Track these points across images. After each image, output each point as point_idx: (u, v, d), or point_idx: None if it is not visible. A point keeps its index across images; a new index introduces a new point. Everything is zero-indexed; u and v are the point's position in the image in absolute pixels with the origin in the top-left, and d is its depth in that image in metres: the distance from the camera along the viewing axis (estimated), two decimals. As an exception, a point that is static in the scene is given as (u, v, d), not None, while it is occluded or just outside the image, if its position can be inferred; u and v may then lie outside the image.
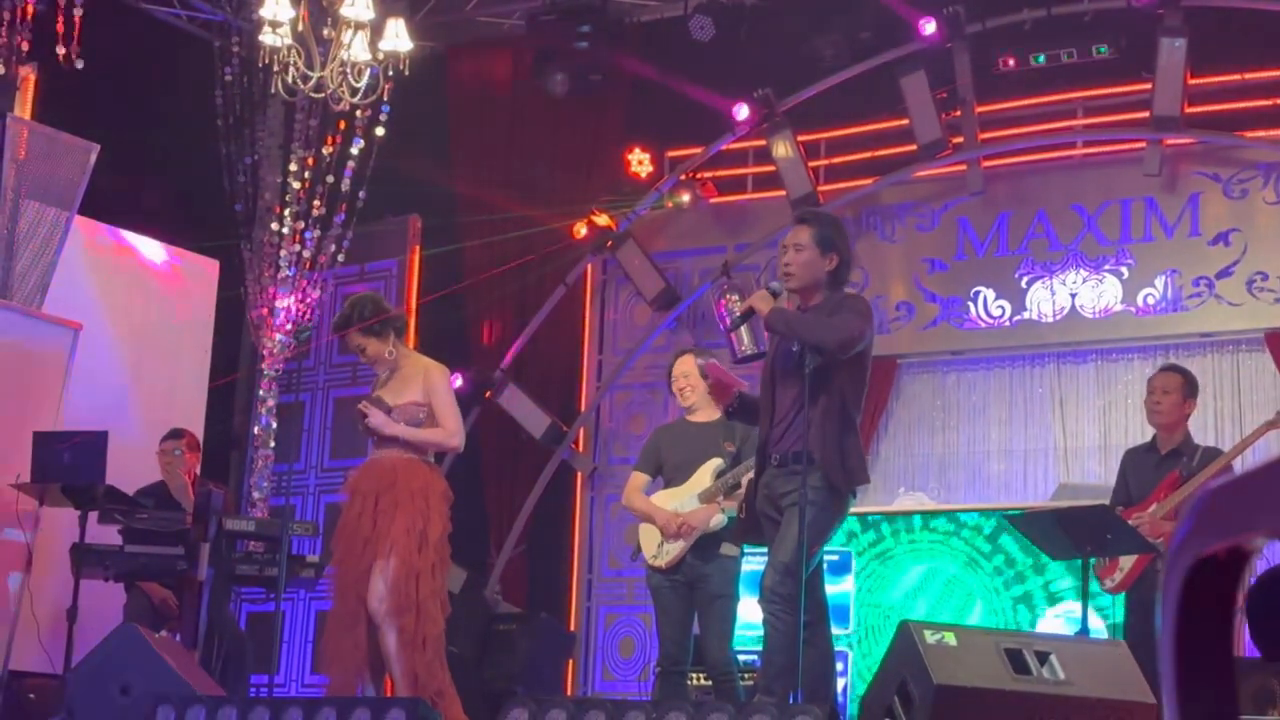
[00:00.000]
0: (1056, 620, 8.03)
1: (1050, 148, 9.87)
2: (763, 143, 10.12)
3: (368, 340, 6.22)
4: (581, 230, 10.65)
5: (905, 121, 9.68)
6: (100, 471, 7.23)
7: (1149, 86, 9.12)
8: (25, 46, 8.62)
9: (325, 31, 8.20)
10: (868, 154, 10.18)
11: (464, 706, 6.09)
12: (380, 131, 9.76)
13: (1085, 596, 6.50)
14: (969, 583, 8.42)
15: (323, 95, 8.22)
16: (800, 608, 5.25)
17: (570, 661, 10.16)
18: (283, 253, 10.47)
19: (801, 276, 5.57)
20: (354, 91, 8.08)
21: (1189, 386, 6.95)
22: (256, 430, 10.70)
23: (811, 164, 10.05)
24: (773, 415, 5.60)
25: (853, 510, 6.10)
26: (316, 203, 10.44)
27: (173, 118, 10.28)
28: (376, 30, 8.12)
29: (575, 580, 10.67)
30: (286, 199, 10.48)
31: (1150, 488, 6.82)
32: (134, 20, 10.45)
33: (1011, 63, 9.49)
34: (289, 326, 10.51)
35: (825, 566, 5.93)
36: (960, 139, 9.75)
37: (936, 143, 9.63)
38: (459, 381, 9.12)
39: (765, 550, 5.65)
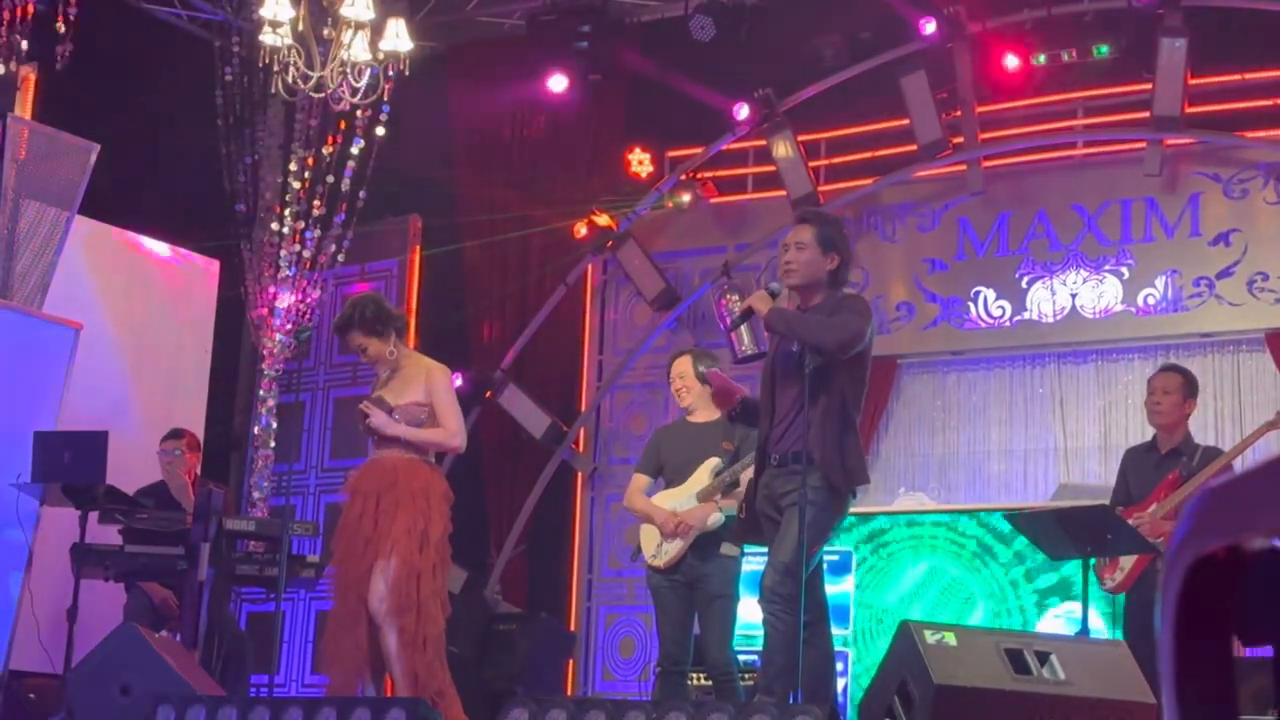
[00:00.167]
0: (1056, 620, 8.04)
1: (1050, 148, 9.87)
2: (763, 143, 10.11)
3: (369, 340, 6.22)
4: (582, 230, 10.65)
5: (905, 121, 9.68)
6: (100, 471, 7.23)
7: (1149, 86, 9.11)
8: (25, 46, 8.61)
9: (325, 31, 8.20)
10: (868, 154, 10.18)
11: (464, 706, 6.09)
12: (380, 131, 9.77)
13: (1085, 597, 6.50)
14: (969, 583, 8.42)
15: (323, 95, 8.22)
16: (800, 608, 5.25)
17: (570, 661, 10.16)
18: (283, 253, 10.47)
19: (803, 274, 5.57)
20: (354, 91, 8.08)
21: (1189, 386, 6.95)
22: (257, 430, 10.70)
23: (812, 164, 10.05)
24: (772, 415, 5.60)
25: (853, 510, 6.10)
26: (317, 203, 10.44)
27: (173, 118, 10.28)
28: (377, 30, 8.12)
29: (575, 580, 10.66)
30: (287, 199, 10.48)
31: (1150, 487, 6.82)
32: (134, 20, 10.45)
33: (1012, 63, 9.48)
34: (289, 327, 10.51)
35: (825, 566, 5.94)
36: (960, 139, 9.75)
37: (937, 143, 9.63)
38: (459, 381, 9.11)
39: (765, 550, 5.65)
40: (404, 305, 10.77)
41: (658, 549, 6.64)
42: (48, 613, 7.84)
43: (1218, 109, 9.32)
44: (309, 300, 10.57)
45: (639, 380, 10.65)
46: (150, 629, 6.78)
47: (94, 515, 7.35)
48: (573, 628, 10.35)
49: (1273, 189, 9.14)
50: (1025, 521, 7.02)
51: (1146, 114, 9.20)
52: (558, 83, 10.50)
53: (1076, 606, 6.84)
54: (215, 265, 10.29)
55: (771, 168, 10.10)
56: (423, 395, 6.17)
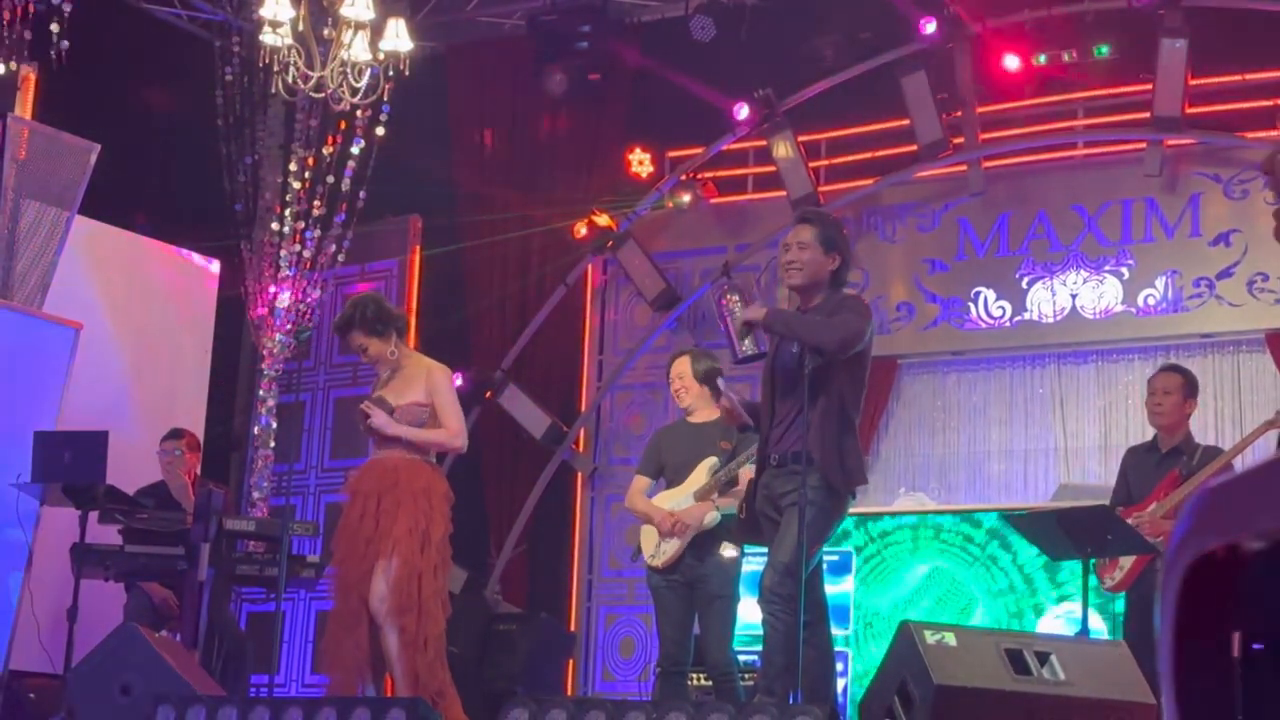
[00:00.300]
0: (1057, 621, 8.04)
1: (1051, 148, 9.86)
2: (763, 143, 10.11)
3: (370, 340, 6.22)
4: (582, 230, 10.65)
5: (906, 122, 9.68)
6: (100, 471, 7.22)
7: (1150, 87, 9.11)
8: (28, 37, 8.61)
9: (325, 31, 8.21)
10: (868, 154, 10.18)
11: (464, 706, 6.09)
12: (380, 131, 9.77)
13: (1085, 597, 6.49)
14: (970, 583, 8.42)
15: (323, 95, 8.22)
16: (800, 608, 5.25)
17: (570, 662, 10.16)
18: (283, 252, 10.47)
19: (805, 274, 5.57)
20: (354, 91, 8.08)
21: (1189, 386, 6.95)
22: (257, 430, 10.70)
23: (812, 164, 10.05)
24: (772, 416, 5.60)
25: (853, 510, 6.10)
26: (317, 203, 10.44)
27: (173, 117, 10.28)
28: (377, 30, 8.12)
29: (575, 580, 10.66)
30: (287, 199, 10.48)
31: (1150, 487, 6.81)
32: (134, 20, 10.46)
33: (1012, 63, 9.48)
34: (289, 326, 10.51)
35: (825, 567, 5.94)
36: (961, 139, 9.75)
37: (937, 143, 9.62)
38: (459, 381, 9.11)
39: (765, 551, 5.65)
40: (404, 305, 10.77)
41: (656, 549, 6.64)
42: (48, 613, 7.85)
43: (1218, 109, 9.32)
44: (309, 300, 10.57)
45: (639, 380, 10.65)
46: (150, 629, 6.78)
47: (94, 515, 7.35)
48: (573, 628, 10.35)
49: (1273, 189, 9.12)
50: (1025, 522, 7.02)
51: (1147, 114, 9.19)
52: (558, 83, 10.49)
53: (1075, 607, 6.84)
54: (215, 265, 10.29)
55: (772, 168, 10.10)
56: (424, 395, 6.17)
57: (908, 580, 8.56)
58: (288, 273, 10.48)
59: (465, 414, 6.66)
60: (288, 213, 10.46)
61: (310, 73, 8.02)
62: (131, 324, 9.53)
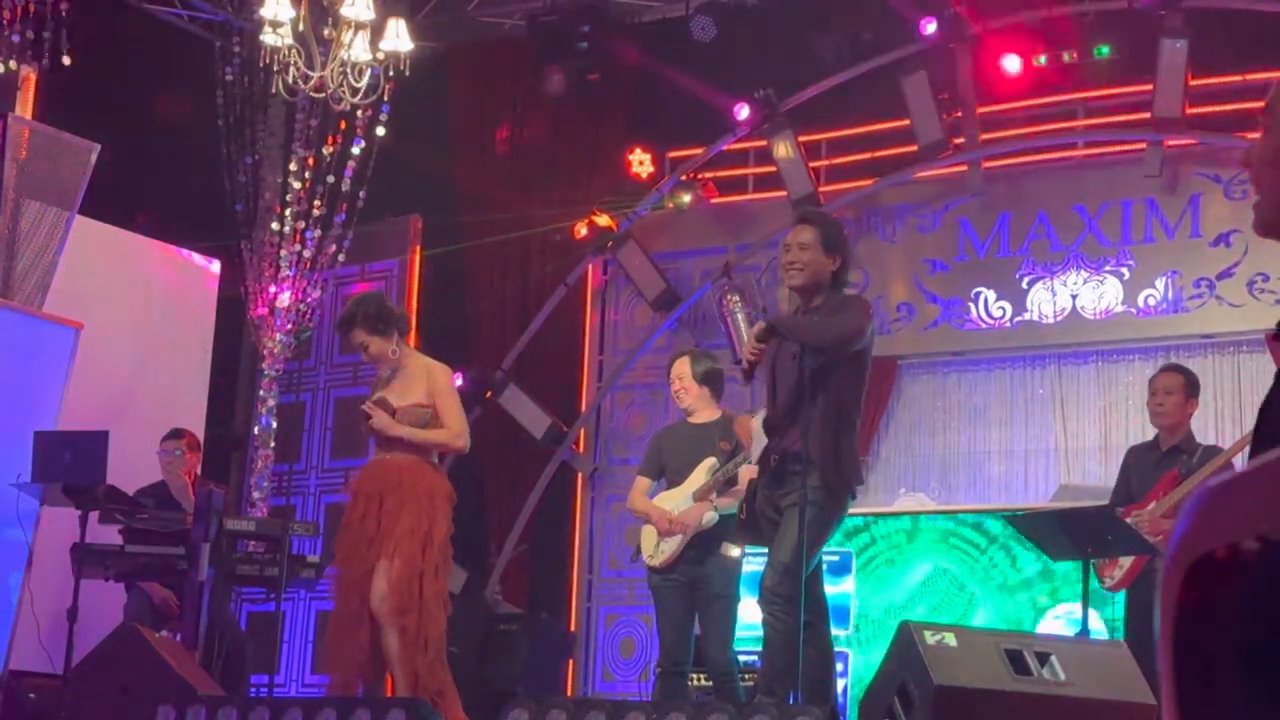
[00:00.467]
0: (1056, 621, 8.04)
1: (1051, 149, 9.86)
2: (764, 143, 10.11)
3: (371, 339, 6.20)
4: (582, 230, 10.65)
5: (906, 122, 9.67)
6: (101, 471, 7.22)
7: (1150, 87, 9.11)
8: (29, 45, 8.62)
9: (326, 31, 8.20)
10: (869, 155, 10.17)
11: (464, 706, 6.09)
12: (381, 131, 9.78)
13: (1085, 598, 6.49)
14: (971, 584, 8.42)
15: (323, 95, 8.22)
16: (800, 608, 5.26)
17: (570, 662, 10.16)
18: (283, 253, 10.47)
19: (807, 274, 5.58)
20: (355, 91, 8.08)
21: (1190, 387, 6.94)
22: (257, 430, 10.70)
23: (812, 164, 10.04)
24: (773, 415, 5.61)
25: (853, 511, 6.11)
26: (317, 203, 10.44)
27: (173, 117, 10.28)
28: (377, 30, 8.12)
29: (575, 581, 10.66)
30: (287, 199, 10.48)
31: (1150, 485, 6.81)
32: (135, 20, 10.46)
33: (1013, 64, 9.48)
34: (289, 326, 10.51)
35: (825, 567, 5.94)
36: (961, 140, 9.74)
37: (937, 143, 9.62)
38: (459, 381, 9.11)
39: (765, 551, 5.65)
40: (404, 305, 10.76)
41: (655, 549, 6.65)
42: (48, 613, 7.84)
43: (1218, 110, 9.31)
44: (309, 300, 10.57)
45: (639, 381, 10.65)
46: (150, 629, 6.78)
47: (94, 515, 7.34)
48: (573, 628, 10.35)
49: (1252, 183, 9.11)
50: (1026, 523, 7.02)
51: (1147, 115, 9.19)
52: (558, 83, 10.49)
53: (1075, 607, 6.84)
54: (216, 265, 10.29)
55: (772, 168, 10.10)
56: (425, 396, 6.16)
57: (908, 580, 8.56)
58: (288, 273, 10.48)
59: (466, 414, 6.65)
60: (288, 213, 10.46)
61: (310, 73, 8.02)
62: (132, 324, 9.53)
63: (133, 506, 7.63)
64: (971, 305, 9.82)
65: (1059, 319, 9.58)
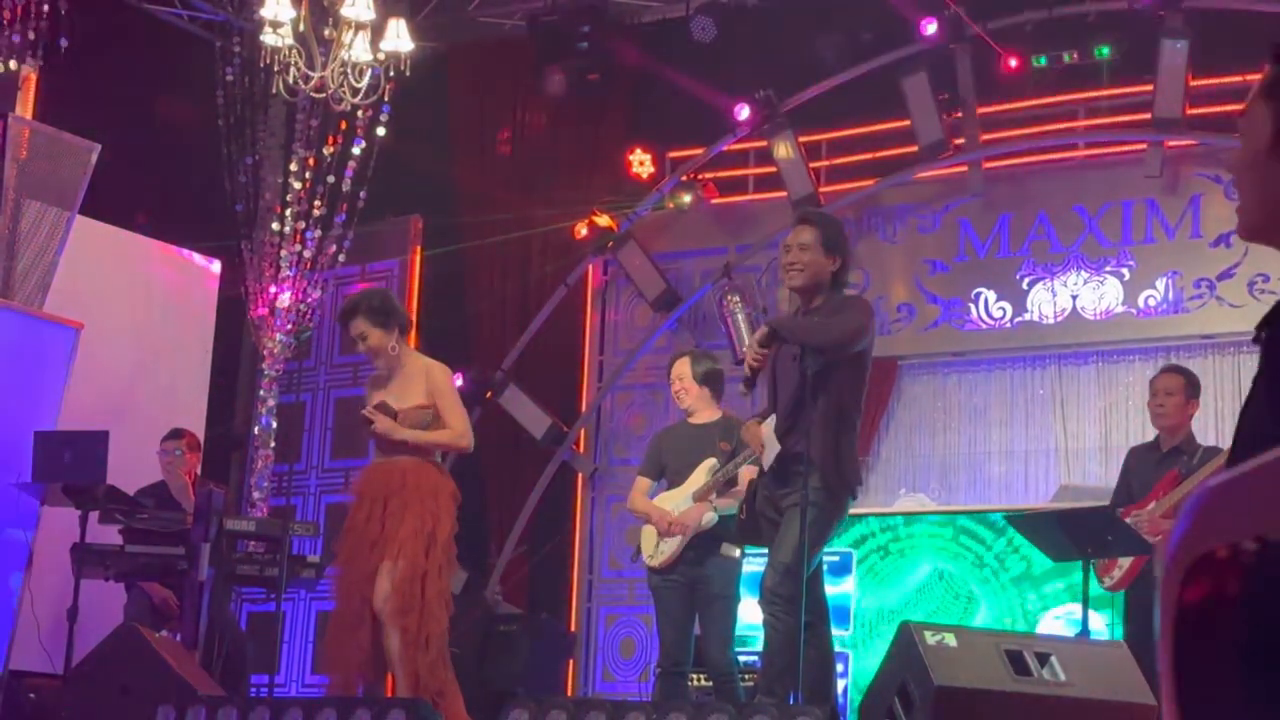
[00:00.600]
0: (1056, 622, 8.04)
1: (1052, 149, 9.86)
2: (764, 144, 10.11)
3: (372, 330, 6.16)
4: (582, 231, 10.65)
5: (907, 123, 9.67)
6: (101, 471, 7.22)
7: (1150, 88, 9.11)
8: (30, 45, 8.62)
9: (326, 32, 8.20)
10: (869, 155, 10.17)
11: (465, 706, 6.09)
12: (381, 132, 9.78)
13: (1085, 598, 6.49)
14: (971, 584, 8.42)
15: (324, 95, 8.22)
16: (801, 609, 5.26)
17: (571, 662, 10.15)
18: (284, 253, 10.47)
19: (807, 275, 5.58)
20: (355, 92, 8.08)
21: (1191, 387, 6.94)
22: (257, 430, 10.70)
23: (813, 165, 10.04)
24: (775, 418, 5.61)
25: (853, 511, 6.11)
26: (317, 203, 10.44)
27: (174, 118, 10.28)
28: (377, 30, 8.12)
29: (576, 581, 10.66)
30: (287, 199, 10.48)
31: (1150, 486, 6.82)
32: (135, 20, 10.46)
33: (1013, 64, 9.48)
34: (290, 327, 10.51)
35: (825, 567, 5.94)
36: (962, 140, 9.74)
37: (938, 144, 9.62)
38: (459, 381, 9.11)
39: (765, 552, 5.65)
40: (405, 305, 10.76)
41: (655, 549, 6.65)
42: (48, 613, 7.84)
43: (1219, 110, 9.30)
44: (309, 300, 10.57)
45: (639, 381, 10.65)
46: (150, 629, 6.78)
47: (94, 515, 7.35)
48: (573, 628, 10.35)
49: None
50: (1026, 523, 7.02)
51: (1148, 115, 9.19)
52: (558, 83, 10.49)
53: (1076, 608, 6.84)
54: (216, 265, 10.29)
55: (773, 169, 10.10)
56: (425, 397, 6.14)
57: (908, 581, 8.56)
58: (288, 273, 10.48)
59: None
60: (288, 213, 10.46)
61: (311, 73, 8.02)
62: (132, 324, 9.53)
63: (133, 506, 7.63)
64: (972, 306, 9.82)
65: (1059, 319, 9.58)
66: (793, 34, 10.04)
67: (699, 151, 10.46)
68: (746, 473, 6.21)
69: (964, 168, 9.86)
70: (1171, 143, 9.29)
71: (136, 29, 10.42)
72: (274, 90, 8.42)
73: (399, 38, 8.17)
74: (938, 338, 9.92)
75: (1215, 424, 8.98)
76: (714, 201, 10.65)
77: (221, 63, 10.38)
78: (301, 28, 7.95)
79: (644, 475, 6.86)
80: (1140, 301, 9.38)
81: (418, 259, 11.26)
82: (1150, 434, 7.19)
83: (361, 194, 10.31)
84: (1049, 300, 9.61)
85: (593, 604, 10.64)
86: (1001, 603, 8.34)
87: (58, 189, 8.64)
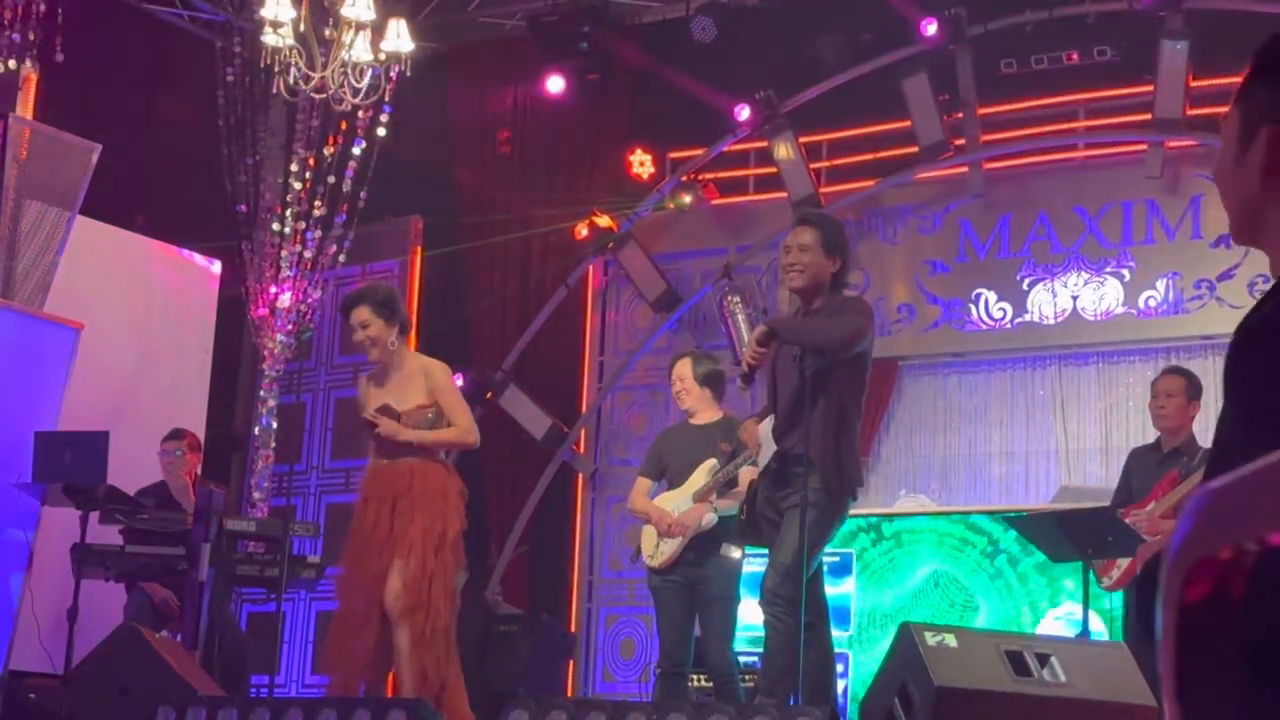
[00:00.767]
0: (1057, 623, 8.04)
1: (1052, 150, 9.86)
2: (765, 144, 10.11)
3: (375, 320, 6.13)
4: (583, 231, 10.65)
5: (907, 123, 9.67)
6: (101, 472, 7.22)
7: (1151, 89, 9.11)
8: (31, 45, 8.62)
9: (327, 32, 8.20)
10: (869, 156, 10.17)
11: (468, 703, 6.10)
12: (382, 132, 9.77)
13: (1086, 599, 6.49)
14: (971, 585, 8.42)
15: (324, 96, 8.22)
16: (801, 610, 5.26)
17: (571, 662, 10.15)
18: (284, 253, 10.47)
19: (808, 276, 5.58)
20: (355, 92, 8.08)
21: (1192, 389, 6.94)
22: (257, 431, 10.70)
23: (813, 165, 10.04)
24: (773, 418, 5.61)
25: (853, 512, 6.11)
26: (318, 203, 10.44)
27: (174, 118, 10.28)
28: (378, 31, 8.12)
29: (576, 581, 10.66)
30: (288, 199, 10.47)
31: (1151, 486, 6.82)
32: (136, 20, 10.45)
33: (1014, 65, 9.47)
34: (290, 327, 10.51)
35: (825, 568, 5.94)
36: (962, 141, 9.74)
37: (938, 144, 9.62)
38: (459, 382, 9.11)
39: (765, 552, 5.65)
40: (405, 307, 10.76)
41: (655, 549, 6.65)
42: (48, 613, 7.84)
43: (1219, 111, 9.29)
44: (310, 301, 10.57)
45: (640, 382, 10.65)
46: (151, 629, 6.78)
47: (95, 515, 7.34)
48: (573, 629, 10.35)
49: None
50: (1026, 524, 7.02)
51: (1148, 116, 9.19)
52: (558, 83, 10.49)
53: (1076, 608, 6.84)
54: (216, 265, 10.28)
55: (773, 169, 10.10)
56: (425, 396, 6.13)
57: (909, 582, 8.56)
58: (289, 273, 10.48)
59: (466, 412, 6.62)
60: (289, 213, 10.46)
61: (311, 73, 8.02)
62: (133, 324, 9.53)
63: (133, 507, 7.63)
64: (972, 306, 9.82)
65: (1060, 320, 9.58)
66: (793, 34, 10.04)
67: (699, 152, 10.46)
68: (747, 474, 6.21)
69: (964, 168, 9.86)
70: (1172, 143, 9.29)
71: (136, 29, 10.41)
72: (274, 90, 8.42)
73: (399, 38, 8.17)
74: (938, 338, 9.92)
75: (1216, 425, 8.97)
76: (714, 202, 10.65)
77: (222, 63, 10.37)
78: (302, 28, 7.95)
79: (644, 476, 6.86)
80: (1141, 302, 9.38)
81: (418, 259, 11.26)
82: (1151, 435, 7.19)
83: (362, 194, 10.31)
84: (1049, 301, 9.61)
85: (593, 604, 10.64)
86: (1002, 603, 8.34)
87: (58, 189, 8.63)
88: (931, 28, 9.47)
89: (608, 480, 10.65)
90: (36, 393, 8.19)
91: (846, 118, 10.10)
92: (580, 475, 10.77)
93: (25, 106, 9.22)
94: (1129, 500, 6.87)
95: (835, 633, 5.91)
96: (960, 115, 9.67)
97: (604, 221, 10.55)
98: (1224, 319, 9.14)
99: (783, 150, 9.94)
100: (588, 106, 10.80)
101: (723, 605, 6.53)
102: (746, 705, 5.48)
